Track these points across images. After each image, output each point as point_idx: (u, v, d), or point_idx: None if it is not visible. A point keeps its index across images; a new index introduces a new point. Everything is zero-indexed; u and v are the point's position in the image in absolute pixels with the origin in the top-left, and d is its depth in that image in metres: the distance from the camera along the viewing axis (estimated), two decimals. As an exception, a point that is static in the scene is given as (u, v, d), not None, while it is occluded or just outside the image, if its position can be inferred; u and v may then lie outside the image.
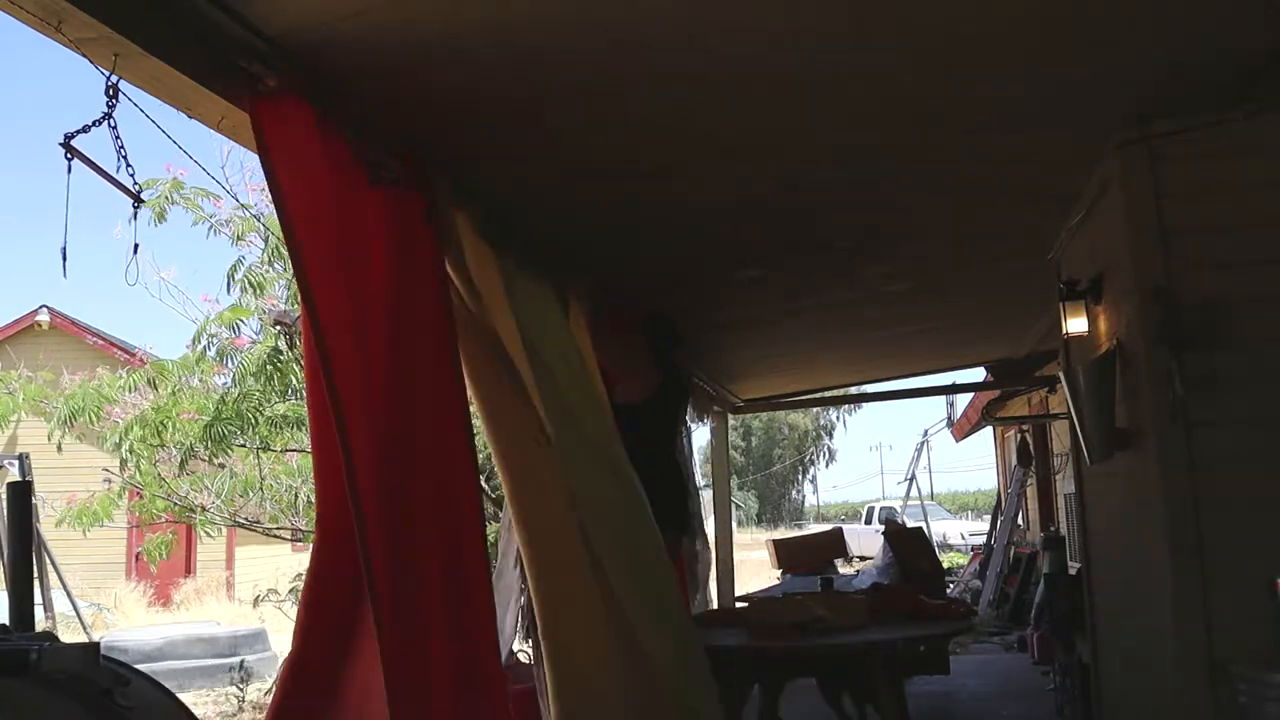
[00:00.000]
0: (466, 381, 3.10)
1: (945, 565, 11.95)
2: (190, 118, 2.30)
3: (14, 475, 9.44)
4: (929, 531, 13.12)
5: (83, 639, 9.15)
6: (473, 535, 2.83)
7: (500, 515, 4.51)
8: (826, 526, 23.57)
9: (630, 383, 4.51)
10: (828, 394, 11.03)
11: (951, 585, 12.42)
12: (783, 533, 31.27)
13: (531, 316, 3.35)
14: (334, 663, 2.55)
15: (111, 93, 2.04)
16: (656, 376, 4.56)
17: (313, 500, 6.25)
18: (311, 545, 2.70)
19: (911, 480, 23.18)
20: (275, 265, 5.70)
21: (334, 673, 2.55)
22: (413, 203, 2.82)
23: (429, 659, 2.52)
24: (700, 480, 8.72)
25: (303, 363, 5.47)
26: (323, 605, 2.59)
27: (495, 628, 2.95)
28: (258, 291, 5.68)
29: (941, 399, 15.89)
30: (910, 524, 12.24)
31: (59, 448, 6.56)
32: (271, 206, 5.63)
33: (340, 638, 2.54)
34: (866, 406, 51.36)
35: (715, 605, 7.58)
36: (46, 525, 8.78)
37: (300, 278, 2.31)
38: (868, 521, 28.10)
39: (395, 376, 2.61)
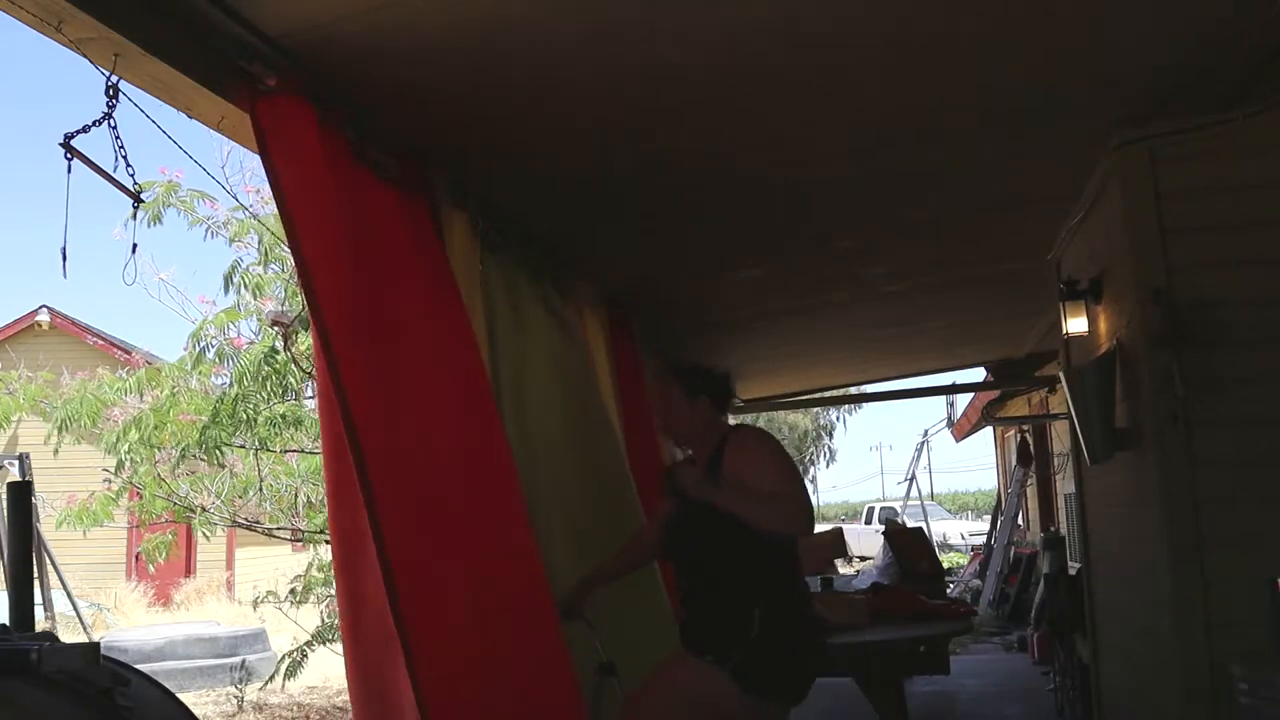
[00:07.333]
0: None
1: (945, 565, 11.95)
2: (190, 118, 2.30)
3: (14, 475, 9.44)
4: (929, 531, 13.12)
5: (83, 639, 9.15)
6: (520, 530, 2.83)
7: None
8: (826, 527, 23.52)
9: None
10: (828, 394, 11.02)
11: (951, 585, 12.42)
12: (782, 533, 31.12)
13: (506, 314, 3.34)
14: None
15: (111, 93, 2.04)
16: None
17: (312, 501, 6.27)
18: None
19: (911, 480, 23.15)
20: (272, 266, 5.69)
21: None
22: (421, 203, 2.82)
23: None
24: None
25: (312, 364, 5.46)
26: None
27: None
28: (256, 293, 5.67)
29: (941, 399, 15.91)
30: (910, 524, 12.24)
31: (55, 452, 6.54)
32: (267, 206, 5.67)
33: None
34: (866, 406, 51.18)
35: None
36: (46, 525, 8.77)
37: (304, 276, 2.29)
38: (868, 522, 28.05)
39: (428, 380, 2.61)
